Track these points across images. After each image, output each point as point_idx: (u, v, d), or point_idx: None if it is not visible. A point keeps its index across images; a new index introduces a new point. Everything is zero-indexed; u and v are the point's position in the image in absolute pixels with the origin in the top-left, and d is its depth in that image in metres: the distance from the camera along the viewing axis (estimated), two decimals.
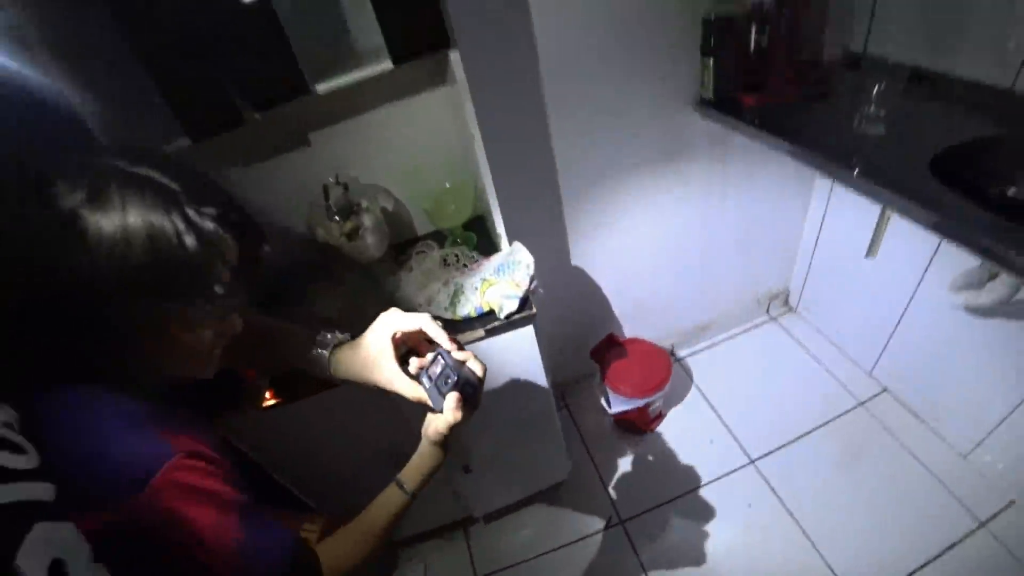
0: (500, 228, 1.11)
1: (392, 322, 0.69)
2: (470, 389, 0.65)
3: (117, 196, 0.46)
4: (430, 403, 0.65)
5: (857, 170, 1.04)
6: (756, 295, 2.03)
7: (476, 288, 1.05)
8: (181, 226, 0.48)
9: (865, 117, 1.14)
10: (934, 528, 1.41)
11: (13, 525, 0.40)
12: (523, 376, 1.19)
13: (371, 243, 1.09)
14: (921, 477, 1.53)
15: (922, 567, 1.35)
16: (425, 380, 0.65)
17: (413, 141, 1.18)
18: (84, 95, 0.79)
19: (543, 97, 1.25)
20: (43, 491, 0.44)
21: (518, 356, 1.13)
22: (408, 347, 0.71)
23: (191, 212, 0.49)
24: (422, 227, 1.35)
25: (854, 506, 1.50)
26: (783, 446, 1.68)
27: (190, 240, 0.48)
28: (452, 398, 0.63)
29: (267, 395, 1.04)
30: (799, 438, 1.69)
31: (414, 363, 0.67)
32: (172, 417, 0.57)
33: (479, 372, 0.67)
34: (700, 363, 2.00)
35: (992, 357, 1.37)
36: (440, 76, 1.10)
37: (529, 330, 1.08)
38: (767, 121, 1.26)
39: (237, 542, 0.52)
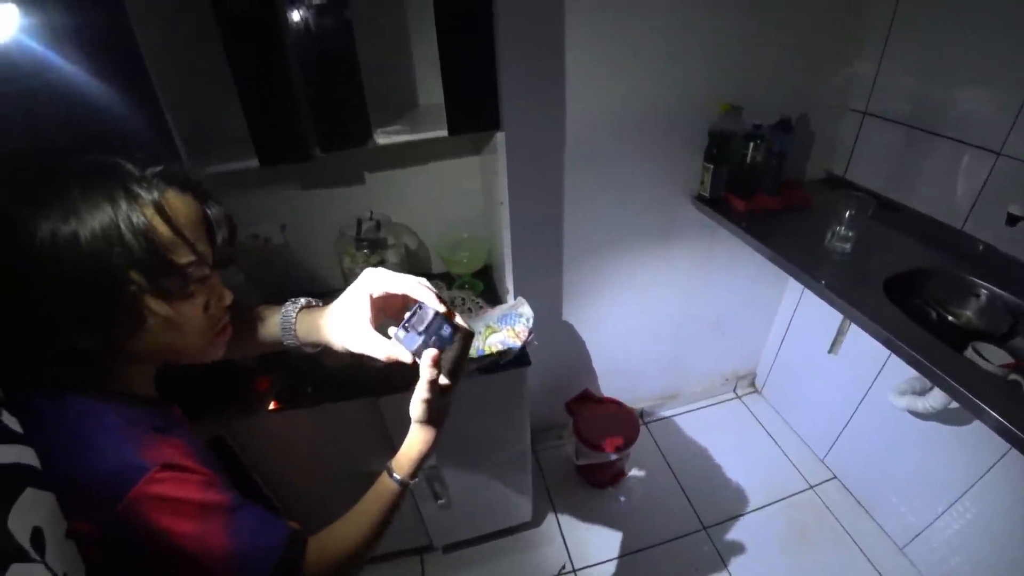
0: (509, 283, 1.24)
1: (373, 280, 0.61)
2: (449, 347, 0.58)
3: (60, 196, 0.47)
4: (403, 358, 0.58)
5: (824, 282, 1.21)
6: (724, 373, 2.19)
7: (480, 332, 1.17)
8: (124, 204, 0.49)
9: (836, 235, 1.32)
10: None
11: (8, 486, 0.40)
12: (507, 418, 1.29)
13: None
14: (860, 565, 1.64)
15: None
16: (400, 332, 0.57)
17: (444, 194, 1.34)
18: (171, 103, 0.90)
19: (563, 175, 1.42)
20: (32, 457, 0.45)
21: (507, 399, 1.24)
22: (387, 316, 0.64)
23: (133, 184, 0.50)
24: (436, 267, 1.48)
25: None
26: (735, 517, 1.79)
27: (136, 217, 0.49)
28: (428, 354, 0.56)
29: (272, 404, 1.12)
30: (751, 512, 1.80)
31: (392, 331, 0.59)
32: (163, 421, 0.58)
33: (466, 333, 0.60)
34: (666, 428, 2.11)
35: (931, 457, 1.51)
36: (479, 148, 1.26)
37: (522, 376, 1.20)
38: (751, 225, 1.44)
39: (223, 548, 0.51)
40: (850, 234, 1.31)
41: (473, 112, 0.98)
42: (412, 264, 1.39)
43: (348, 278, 1.22)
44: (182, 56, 1.02)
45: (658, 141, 1.45)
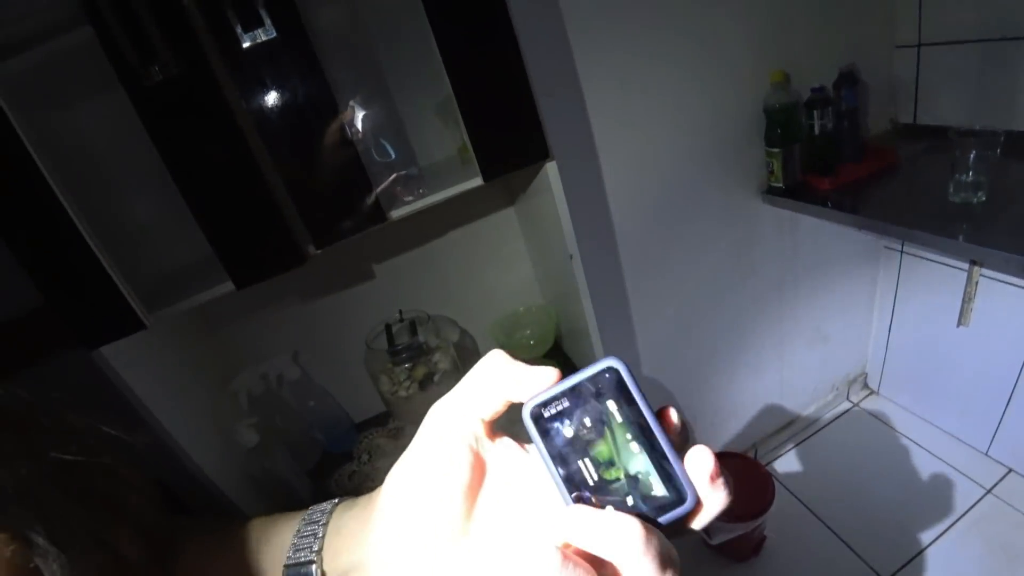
0: (598, 350, 0.96)
1: (453, 411, 0.27)
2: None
3: None
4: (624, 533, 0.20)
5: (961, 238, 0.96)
6: (834, 383, 1.87)
7: None
8: None
9: (960, 184, 1.06)
10: None
11: None
12: None
13: (447, 389, 0.92)
14: None
15: None
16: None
17: (482, 267, 1.08)
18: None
19: (608, 210, 1.16)
20: None
21: None
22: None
23: None
24: None
25: None
26: (918, 554, 1.43)
27: None
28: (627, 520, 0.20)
29: None
30: (932, 543, 1.44)
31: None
32: None
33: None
34: (787, 465, 1.77)
35: None
36: (513, 197, 1.01)
37: None
38: (843, 201, 1.18)
39: None
40: (980, 179, 1.04)
41: (510, 145, 0.74)
42: (467, 365, 1.10)
43: (392, 407, 0.94)
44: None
45: (710, 138, 1.21)
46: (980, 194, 1.05)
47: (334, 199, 0.72)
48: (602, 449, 0.22)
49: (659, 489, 0.22)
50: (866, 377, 1.92)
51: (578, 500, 0.22)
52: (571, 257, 0.84)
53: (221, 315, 0.98)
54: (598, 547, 0.20)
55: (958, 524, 1.47)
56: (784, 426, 1.83)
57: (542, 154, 0.77)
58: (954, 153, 1.05)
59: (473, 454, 0.24)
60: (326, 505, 0.31)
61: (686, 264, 1.34)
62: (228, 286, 0.74)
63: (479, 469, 0.24)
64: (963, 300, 1.45)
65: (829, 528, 1.55)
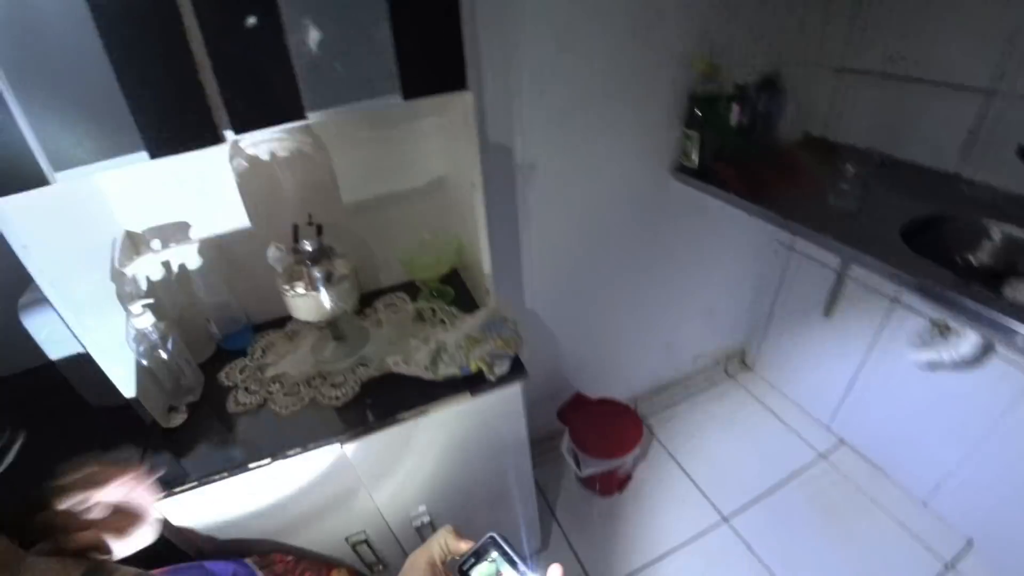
0: (489, 283, 1.03)
1: (423, 554, 0.47)
2: None
3: None
4: None
5: (832, 236, 1.10)
6: (715, 355, 2.07)
7: (460, 347, 0.96)
8: None
9: (840, 193, 1.21)
10: (905, 574, 1.44)
11: None
12: (505, 440, 1.09)
13: (345, 291, 0.98)
14: (886, 526, 1.55)
15: None
16: None
17: (390, 183, 1.11)
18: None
19: (514, 152, 1.21)
20: None
21: (503, 419, 1.04)
22: None
23: None
24: (394, 276, 1.25)
25: (827, 557, 1.49)
26: (755, 501, 1.66)
27: None
28: None
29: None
30: (768, 493, 1.68)
31: None
32: None
33: None
34: (664, 421, 1.97)
35: (942, 407, 1.44)
36: (438, 111, 1.04)
37: (517, 391, 1.00)
38: (745, 191, 1.30)
39: None
40: (855, 191, 1.19)
41: (435, 70, 0.78)
42: (367, 275, 1.16)
43: (290, 302, 0.98)
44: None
45: (634, 108, 1.28)
46: (852, 202, 1.20)
47: (257, 88, 0.73)
48: (494, 573, 0.43)
49: None
50: (743, 354, 2.14)
51: None
52: (472, 186, 0.90)
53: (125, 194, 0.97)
54: None
55: (793, 481, 1.71)
56: (665, 387, 2.02)
57: (459, 84, 0.81)
58: (841, 166, 1.19)
59: None
60: None
61: (591, 220, 1.41)
62: (142, 156, 0.74)
63: None
64: (830, 295, 1.64)
65: (687, 474, 1.76)
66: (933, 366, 1.36)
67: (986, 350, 1.25)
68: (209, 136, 0.74)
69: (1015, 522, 1.36)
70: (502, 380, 0.94)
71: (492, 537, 0.44)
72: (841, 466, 1.73)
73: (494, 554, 0.43)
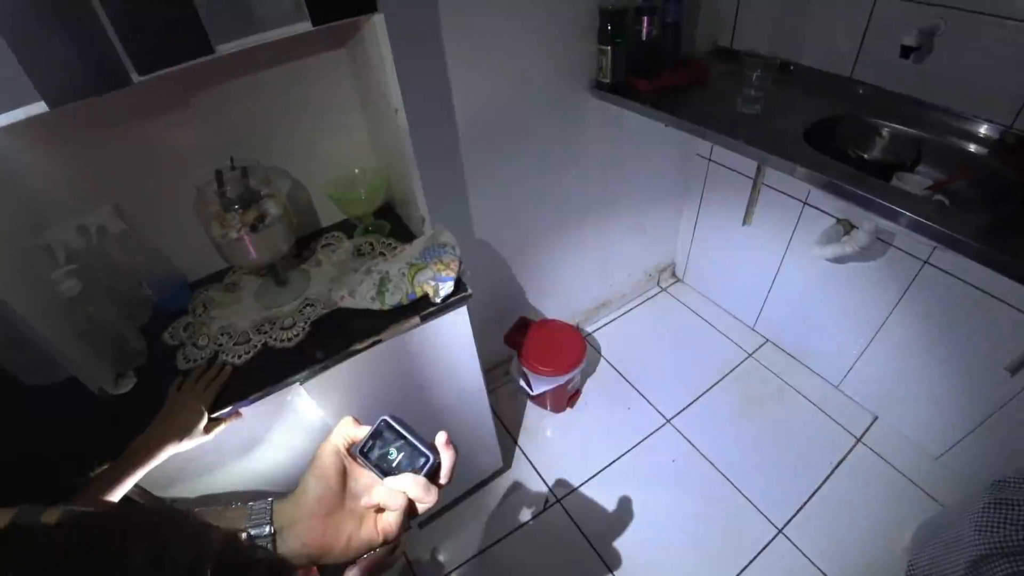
0: (423, 210, 1.06)
1: (329, 444, 0.48)
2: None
3: None
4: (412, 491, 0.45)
5: (743, 139, 1.18)
6: (647, 270, 2.19)
7: (404, 274, 0.99)
8: None
9: (746, 98, 1.29)
10: (824, 450, 1.65)
11: None
12: (457, 363, 1.15)
13: (278, 233, 0.97)
14: (806, 409, 1.76)
15: (820, 485, 1.56)
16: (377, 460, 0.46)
17: (317, 125, 1.09)
18: None
19: (446, 67, 1.21)
20: None
21: (453, 341, 1.09)
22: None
23: None
24: (327, 217, 1.24)
25: (760, 443, 1.69)
26: (693, 402, 1.82)
27: None
28: (414, 479, 0.44)
29: None
30: (704, 393, 1.85)
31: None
32: None
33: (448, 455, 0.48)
34: (605, 337, 2.10)
35: (848, 299, 1.62)
36: (343, 41, 1.01)
37: (463, 313, 1.04)
38: (660, 103, 1.35)
39: None
40: (760, 96, 1.27)
41: None
42: (298, 215, 1.14)
43: (224, 250, 0.97)
44: None
45: (546, 26, 1.29)
46: (757, 107, 1.28)
47: (158, 25, 0.70)
48: (391, 451, 0.46)
49: (419, 460, 0.45)
50: (674, 267, 2.28)
51: (385, 475, 0.45)
52: (396, 111, 0.90)
53: (27, 161, 0.91)
54: (402, 486, 0.44)
55: (725, 379, 1.89)
56: (603, 304, 2.14)
57: (370, 6, 0.80)
58: (744, 73, 1.26)
59: (341, 466, 0.46)
60: (266, 500, 0.47)
61: (517, 143, 1.44)
62: (40, 106, 0.70)
63: (343, 472, 0.46)
64: (748, 203, 1.77)
65: (631, 384, 1.91)
66: (839, 259, 1.52)
67: (879, 237, 1.41)
68: (112, 80, 0.71)
69: (912, 397, 1.57)
70: (447, 301, 0.98)
71: (385, 420, 0.47)
72: (766, 361, 1.93)
73: (388, 435, 0.46)
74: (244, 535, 0.43)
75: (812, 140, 1.18)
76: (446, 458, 0.46)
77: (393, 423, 0.47)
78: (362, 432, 0.47)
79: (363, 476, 0.46)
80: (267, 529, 0.43)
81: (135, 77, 0.73)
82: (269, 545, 0.43)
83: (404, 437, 0.46)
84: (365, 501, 0.44)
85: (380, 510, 0.45)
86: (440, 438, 0.47)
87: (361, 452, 0.46)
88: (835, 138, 1.29)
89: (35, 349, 0.83)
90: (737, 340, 2.01)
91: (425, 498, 0.44)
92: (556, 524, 1.56)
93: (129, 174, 1.01)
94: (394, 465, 0.45)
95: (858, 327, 1.63)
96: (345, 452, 0.47)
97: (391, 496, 0.44)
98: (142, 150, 0.99)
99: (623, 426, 1.78)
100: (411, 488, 0.44)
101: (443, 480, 0.47)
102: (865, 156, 1.29)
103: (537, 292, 1.85)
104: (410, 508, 0.45)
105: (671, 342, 2.04)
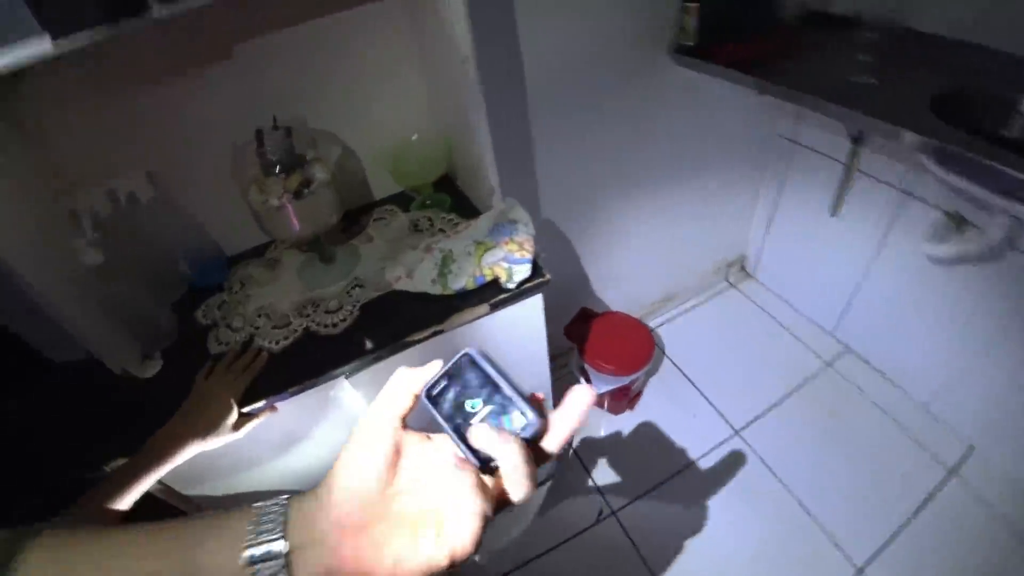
0: (493, 179, 0.91)
1: (377, 412, 0.32)
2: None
3: None
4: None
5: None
6: (715, 263, 2.01)
7: (470, 253, 0.85)
8: None
9: (859, 66, 1.10)
10: (911, 481, 1.43)
11: None
12: (524, 360, 1.00)
13: (325, 202, 0.84)
14: (890, 431, 1.55)
15: (908, 523, 1.36)
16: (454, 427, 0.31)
17: (373, 85, 0.96)
18: None
19: (516, 29, 1.06)
20: None
21: (523, 334, 0.95)
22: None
23: None
24: (381, 189, 1.11)
25: (837, 465, 1.49)
26: (764, 413, 1.64)
27: None
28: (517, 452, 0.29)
29: None
30: (777, 404, 1.66)
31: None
32: None
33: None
34: (669, 334, 1.92)
35: (949, 310, 1.40)
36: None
37: (538, 302, 0.90)
38: (750, 70, 1.17)
39: None
40: (875, 63, 1.08)
41: None
42: (347, 186, 1.01)
43: (264, 221, 0.85)
44: None
45: None
46: (872, 78, 1.09)
47: None
48: (473, 402, 0.31)
49: (516, 418, 0.30)
50: (743, 260, 2.08)
51: (462, 439, 0.30)
52: (465, 60, 0.76)
53: (55, 117, 0.80)
54: (488, 448, 0.29)
55: (800, 390, 1.69)
56: (666, 298, 1.96)
57: None
58: (853, 40, 1.07)
59: (393, 447, 0.30)
60: (279, 499, 0.31)
61: (588, 112, 1.28)
62: (44, 46, 0.59)
63: (394, 457, 0.30)
64: (838, 191, 1.57)
65: (697, 388, 1.73)
66: (953, 259, 1.32)
67: (1012, 236, 1.20)
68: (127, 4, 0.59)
69: (1018, 427, 1.34)
70: (521, 287, 0.84)
71: (468, 355, 0.32)
72: (846, 373, 1.71)
73: (472, 376, 0.32)
74: (245, 554, 0.27)
75: (940, 115, 0.99)
76: (562, 421, 0.30)
77: (480, 361, 0.32)
78: (426, 374, 0.32)
79: (424, 461, 0.31)
80: (279, 545, 0.27)
81: (157, 9, 0.61)
82: (281, 574, 0.27)
83: (494, 383, 0.31)
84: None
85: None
86: (581, 395, 0.31)
87: (428, 396, 0.32)
88: (969, 111, 1.09)
89: (52, 323, 0.73)
90: (813, 346, 1.80)
91: (524, 482, 0.28)
92: (610, 538, 1.41)
93: (164, 137, 0.90)
94: (476, 422, 0.30)
95: (961, 340, 1.41)
96: (401, 425, 0.31)
97: (467, 484, 0.29)
98: (178, 109, 0.88)
99: (686, 434, 1.61)
100: (509, 462, 0.28)
101: (553, 448, 0.31)
102: (1003, 135, 1.09)
103: (599, 281, 1.69)
104: (500, 500, 0.29)
105: (738, 344, 1.85)
